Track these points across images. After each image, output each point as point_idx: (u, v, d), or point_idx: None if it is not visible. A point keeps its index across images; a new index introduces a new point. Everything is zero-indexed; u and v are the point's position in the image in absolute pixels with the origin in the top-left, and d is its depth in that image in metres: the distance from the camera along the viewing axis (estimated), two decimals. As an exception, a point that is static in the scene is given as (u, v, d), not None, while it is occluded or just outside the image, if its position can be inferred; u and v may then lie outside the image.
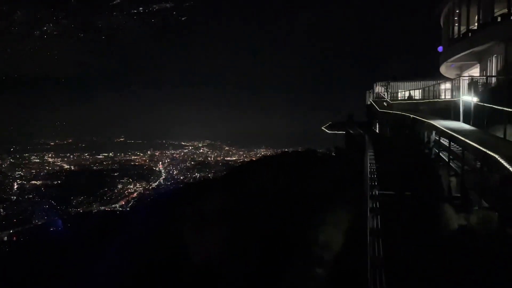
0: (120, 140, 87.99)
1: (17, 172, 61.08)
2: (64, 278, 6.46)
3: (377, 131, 16.16)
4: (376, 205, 3.66)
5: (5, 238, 39.10)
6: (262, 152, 74.93)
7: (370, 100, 19.04)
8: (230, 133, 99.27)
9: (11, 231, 40.29)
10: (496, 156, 3.75)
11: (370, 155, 6.48)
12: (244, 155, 78.77)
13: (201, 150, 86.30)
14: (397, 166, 6.07)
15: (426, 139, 8.89)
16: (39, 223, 43.17)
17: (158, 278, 5.10)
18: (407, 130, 10.02)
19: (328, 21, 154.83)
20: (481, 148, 4.31)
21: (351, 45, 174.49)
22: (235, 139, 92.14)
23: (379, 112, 15.75)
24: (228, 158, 78.80)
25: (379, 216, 3.25)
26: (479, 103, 7.21)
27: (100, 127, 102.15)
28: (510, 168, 3.40)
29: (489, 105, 6.34)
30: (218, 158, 79.49)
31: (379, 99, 17.69)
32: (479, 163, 4.73)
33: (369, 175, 4.94)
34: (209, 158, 79.60)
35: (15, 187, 55.68)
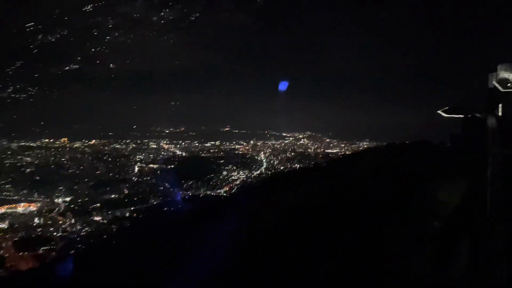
0: (226, 130, 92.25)
1: (137, 156, 67.48)
2: (178, 250, 7.20)
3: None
4: None
5: (127, 214, 44.28)
6: (365, 144, 72.36)
7: (493, 82, 17.60)
8: (332, 125, 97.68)
9: (132, 208, 45.52)
10: None
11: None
12: (346, 148, 77.06)
13: (302, 142, 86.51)
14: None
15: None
16: (155, 203, 47.96)
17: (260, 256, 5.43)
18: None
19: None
20: None
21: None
22: (337, 131, 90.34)
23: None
24: (329, 151, 77.75)
25: None
26: None
27: (209, 117, 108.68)
28: None
29: None
30: (319, 150, 78.97)
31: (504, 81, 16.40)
32: None
33: None
34: (309, 150, 79.58)
35: (136, 169, 61.78)
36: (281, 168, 64.43)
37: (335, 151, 76.81)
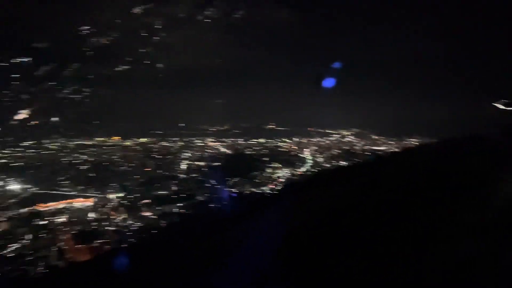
0: (270, 127, 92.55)
1: (184, 154, 69.31)
2: (224, 246, 7.35)
3: None
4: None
5: (175, 210, 45.59)
6: (415, 141, 69.72)
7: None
8: (380, 121, 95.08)
9: (180, 205, 46.81)
10: None
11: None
12: (395, 145, 74.73)
13: (348, 139, 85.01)
14: None
15: None
16: (201, 199, 49.03)
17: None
18: None
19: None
20: None
21: None
22: (385, 128, 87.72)
23: None
24: (376, 148, 75.81)
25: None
26: None
27: (253, 115, 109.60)
28: None
29: None
30: (365, 148, 77.25)
31: None
32: None
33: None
34: (355, 147, 78.04)
35: (183, 167, 63.45)
36: (326, 165, 63.67)
37: (383, 148, 74.75)
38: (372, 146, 78.90)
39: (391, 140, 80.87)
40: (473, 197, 5.44)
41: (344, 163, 61.41)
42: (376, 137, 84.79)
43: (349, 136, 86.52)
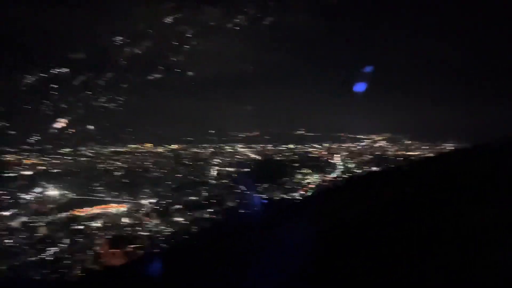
0: (300, 133, 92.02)
1: (215, 160, 69.95)
2: (255, 252, 7.39)
3: None
4: None
5: (206, 216, 46.08)
6: (450, 146, 67.45)
7: None
8: (413, 126, 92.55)
9: (210, 210, 47.27)
10: None
11: None
12: (428, 150, 72.56)
13: (379, 144, 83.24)
14: None
15: None
16: (231, 205, 49.30)
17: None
18: None
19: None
20: None
21: None
22: (418, 132, 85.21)
23: None
24: (409, 153, 73.86)
25: None
26: None
27: (283, 121, 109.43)
28: None
29: None
30: (398, 153, 75.38)
31: None
32: None
33: None
34: (387, 152, 76.29)
35: (214, 173, 64.04)
36: (357, 171, 62.59)
37: (416, 153, 72.73)
38: (405, 151, 76.84)
39: (425, 145, 78.52)
40: (508, 203, 5.25)
41: (376, 168, 60.24)
42: (409, 142, 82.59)
43: (380, 141, 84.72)
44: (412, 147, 79.63)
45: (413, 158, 63.57)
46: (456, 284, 3.91)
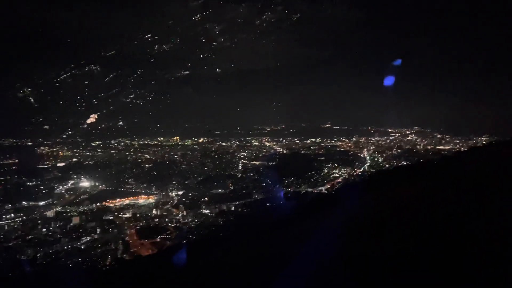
0: (327, 127, 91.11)
1: (241, 153, 70.27)
2: (282, 245, 7.36)
3: None
4: None
5: (232, 208, 46.43)
6: (484, 140, 64.99)
7: None
8: (444, 119, 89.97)
9: (237, 203, 47.59)
10: None
11: None
12: (461, 144, 70.29)
13: (409, 138, 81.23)
14: None
15: None
16: (258, 198, 49.47)
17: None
18: None
19: None
20: None
21: None
22: (450, 126, 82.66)
23: None
24: (440, 147, 71.72)
25: None
26: None
27: (309, 114, 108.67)
28: None
29: None
30: (428, 147, 73.38)
31: None
32: None
33: None
34: (417, 146, 74.40)
35: (240, 166, 64.34)
36: (386, 165, 61.32)
37: (447, 147, 70.57)
38: (437, 145, 74.68)
39: (457, 139, 76.06)
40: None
41: (405, 163, 58.87)
42: (440, 136, 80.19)
43: (411, 135, 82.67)
44: (443, 141, 77.29)
45: (445, 152, 61.76)
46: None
